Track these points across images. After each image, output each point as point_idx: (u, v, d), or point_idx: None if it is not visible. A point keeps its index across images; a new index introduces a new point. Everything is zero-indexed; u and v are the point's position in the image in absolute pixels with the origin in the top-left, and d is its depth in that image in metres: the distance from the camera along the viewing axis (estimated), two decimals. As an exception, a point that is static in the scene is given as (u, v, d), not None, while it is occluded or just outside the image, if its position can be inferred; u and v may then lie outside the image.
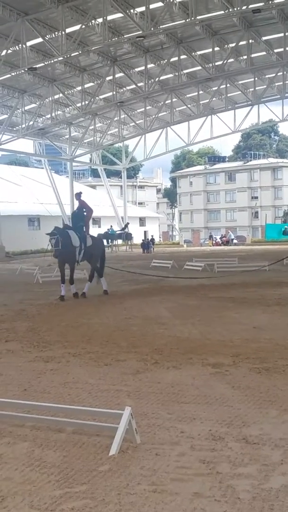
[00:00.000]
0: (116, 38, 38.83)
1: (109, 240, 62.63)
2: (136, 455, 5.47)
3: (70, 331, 11.61)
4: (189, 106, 58.93)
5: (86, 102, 49.89)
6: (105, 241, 63.97)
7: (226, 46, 45.40)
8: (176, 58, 45.55)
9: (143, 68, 47.36)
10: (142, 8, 35.22)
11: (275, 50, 46.86)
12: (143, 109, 59.28)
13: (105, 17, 34.43)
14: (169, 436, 5.97)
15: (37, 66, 40.72)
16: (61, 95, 50.81)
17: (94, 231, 66.21)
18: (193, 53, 46.01)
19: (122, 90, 53.05)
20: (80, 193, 20.40)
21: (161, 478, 4.96)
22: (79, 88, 49.39)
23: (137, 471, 5.10)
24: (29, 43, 37.58)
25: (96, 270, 19.49)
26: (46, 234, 18.85)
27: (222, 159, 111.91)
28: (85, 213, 19.62)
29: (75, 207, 20.73)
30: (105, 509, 4.44)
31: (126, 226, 66.06)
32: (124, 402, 6.92)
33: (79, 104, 51.09)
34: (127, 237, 64.78)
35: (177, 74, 48.19)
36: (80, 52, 40.17)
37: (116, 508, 4.46)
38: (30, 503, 4.57)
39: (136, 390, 7.67)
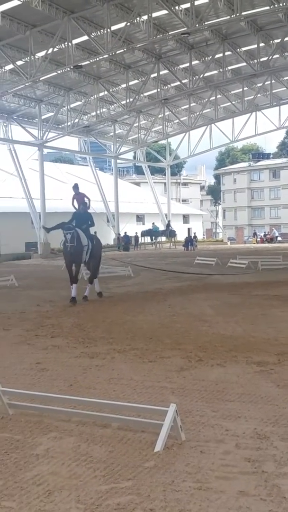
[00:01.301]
0: (160, 35, 38.81)
1: (153, 237, 62.67)
2: (181, 452, 5.49)
3: (114, 328, 11.67)
4: (233, 102, 58.53)
5: (131, 100, 49.95)
6: (148, 238, 64.56)
7: (271, 42, 44.94)
8: (220, 55, 45.29)
9: (187, 65, 47.20)
10: (187, 5, 35.13)
11: None
12: (187, 106, 59.08)
13: (150, 14, 34.43)
14: (214, 434, 5.96)
15: (83, 64, 40.94)
16: (106, 92, 51.04)
17: (138, 228, 66.75)
18: (238, 49, 45.69)
19: (166, 87, 52.98)
20: (77, 184, 19.24)
21: (206, 476, 4.96)
22: (124, 85, 49.50)
23: (182, 468, 5.12)
24: (74, 41, 37.81)
25: (92, 271, 18.23)
26: (61, 229, 17.17)
27: (266, 156, 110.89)
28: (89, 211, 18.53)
29: (74, 203, 18.80)
30: (151, 505, 4.47)
31: (169, 223, 66.06)
32: (169, 399, 6.94)
33: (123, 102, 51.22)
34: (171, 234, 64.77)
35: (221, 70, 47.91)
36: (125, 49, 40.25)
37: (162, 504, 4.48)
38: (77, 497, 4.62)
39: (181, 387, 7.68)
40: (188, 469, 5.09)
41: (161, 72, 48.47)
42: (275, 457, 5.34)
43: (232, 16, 35.54)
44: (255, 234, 79.23)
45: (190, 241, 59.16)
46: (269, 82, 53.61)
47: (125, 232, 60.05)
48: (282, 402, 6.94)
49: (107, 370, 8.76)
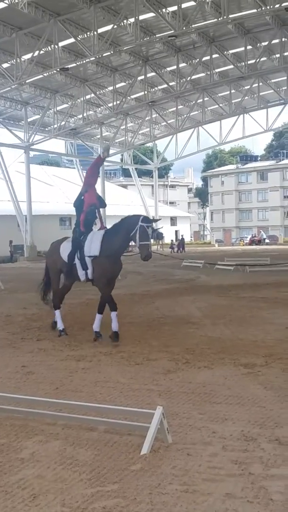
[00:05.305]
0: (147, 38, 38.84)
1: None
2: (168, 454, 5.46)
3: (101, 330, 11.61)
4: (221, 105, 58.70)
5: (118, 102, 49.97)
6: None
7: (258, 44, 45.13)
8: (208, 57, 45.42)
9: (174, 67, 47.28)
10: (174, 8, 35.18)
11: (309, 49, 46.44)
12: (174, 108, 59.20)
13: (137, 17, 34.43)
14: (201, 436, 5.94)
15: (69, 66, 40.89)
16: (92, 95, 51.03)
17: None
18: (225, 52, 45.83)
19: (153, 89, 53.05)
20: None
21: (193, 478, 4.93)
22: (111, 88, 49.53)
23: (169, 471, 5.08)
24: (61, 44, 37.79)
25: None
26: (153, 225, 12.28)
27: (254, 158, 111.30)
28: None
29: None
30: (137, 508, 4.43)
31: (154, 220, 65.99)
32: (156, 402, 6.91)
33: (110, 104, 51.23)
34: (158, 236, 64.72)
35: (209, 73, 48.05)
36: (111, 52, 40.26)
37: (148, 507, 4.44)
38: (62, 501, 4.58)
39: (168, 390, 7.65)
40: (175, 472, 5.06)
41: (148, 75, 48.53)
42: (262, 459, 5.32)
43: (220, 19, 35.63)
44: (242, 239, 79.63)
45: (176, 245, 59.36)
46: (256, 84, 53.78)
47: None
48: (269, 404, 6.93)
49: (94, 373, 8.71)
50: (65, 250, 11.91)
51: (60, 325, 12.06)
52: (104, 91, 52.01)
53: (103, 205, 12.80)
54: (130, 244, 11.67)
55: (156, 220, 11.56)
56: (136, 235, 10.92)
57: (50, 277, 12.64)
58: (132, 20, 35.73)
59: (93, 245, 11.32)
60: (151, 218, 11.71)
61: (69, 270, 11.76)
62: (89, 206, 12.08)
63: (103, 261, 11.21)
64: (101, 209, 12.70)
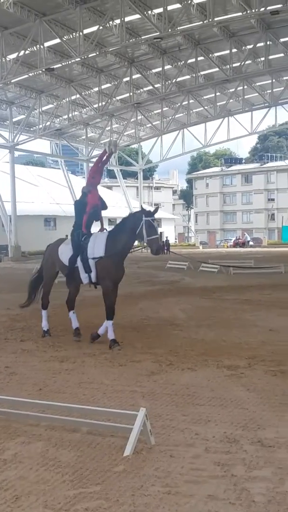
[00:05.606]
0: (133, 39, 38.88)
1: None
2: (151, 456, 5.45)
3: (85, 331, 11.58)
4: (206, 107, 58.84)
5: (103, 103, 49.96)
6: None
7: (243, 47, 45.29)
8: (193, 60, 45.51)
9: (160, 69, 47.35)
10: (160, 10, 35.23)
11: (293, 52, 46.69)
12: (159, 110, 59.25)
13: (122, 18, 34.47)
14: (184, 438, 5.94)
15: (55, 66, 40.88)
16: (78, 96, 51.00)
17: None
18: (210, 55, 45.97)
19: (139, 91, 53.08)
20: None
21: (175, 480, 4.94)
22: (96, 89, 49.53)
23: (151, 473, 5.08)
24: (46, 44, 37.72)
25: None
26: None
27: (238, 161, 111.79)
28: None
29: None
30: (119, 510, 4.43)
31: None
32: (139, 403, 6.91)
33: (96, 105, 51.19)
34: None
35: (194, 75, 48.18)
36: (97, 53, 40.26)
37: (130, 509, 4.44)
38: (44, 502, 4.56)
39: (151, 391, 7.65)
40: (157, 474, 5.06)
41: (134, 76, 48.55)
42: (245, 460, 5.33)
43: (205, 21, 35.74)
44: (226, 241, 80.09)
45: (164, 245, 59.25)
46: (241, 87, 53.96)
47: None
48: (252, 406, 6.95)
49: (77, 374, 8.69)
50: (64, 252, 11.53)
51: (44, 326, 11.99)
52: (89, 92, 51.97)
53: (105, 207, 12.25)
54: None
55: (155, 211, 11.30)
56: (143, 231, 10.65)
57: (44, 279, 12.34)
58: (118, 21, 35.75)
59: (97, 247, 10.98)
60: (150, 211, 11.30)
61: (70, 273, 11.39)
62: (92, 207, 11.65)
63: (109, 262, 10.90)
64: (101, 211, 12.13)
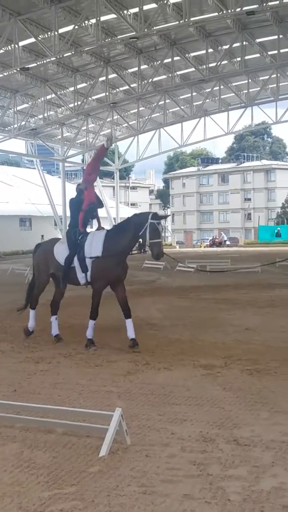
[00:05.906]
0: (109, 39, 38.73)
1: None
2: (126, 456, 5.44)
3: (61, 332, 11.53)
4: (182, 107, 58.85)
5: (79, 103, 49.76)
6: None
7: (219, 48, 45.34)
8: (169, 60, 45.48)
9: (136, 69, 47.26)
10: (136, 9, 35.12)
11: (269, 52, 46.82)
12: (136, 110, 59.16)
13: (98, 18, 34.31)
14: (160, 438, 5.93)
15: (30, 66, 40.57)
16: (53, 95, 50.68)
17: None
18: (187, 55, 45.96)
19: (115, 91, 52.95)
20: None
21: (151, 480, 4.93)
22: (72, 88, 49.28)
23: (127, 473, 5.07)
24: (21, 43, 37.43)
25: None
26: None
27: (215, 161, 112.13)
28: None
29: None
30: (95, 511, 4.41)
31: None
32: (115, 403, 6.89)
33: (71, 105, 50.97)
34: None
35: (170, 75, 48.13)
36: (72, 52, 40.04)
37: (106, 509, 4.43)
38: (19, 504, 4.52)
39: (127, 391, 7.64)
40: (133, 473, 5.05)
41: (110, 76, 48.40)
42: (220, 459, 5.34)
43: (181, 21, 35.73)
44: (203, 241, 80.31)
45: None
46: (217, 87, 54.06)
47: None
48: (228, 405, 6.96)
49: (53, 374, 8.65)
50: (60, 252, 11.30)
51: (31, 326, 11.80)
52: (65, 91, 51.72)
53: (101, 205, 12.24)
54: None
55: (166, 217, 11.20)
56: (146, 233, 10.55)
57: (36, 282, 12.05)
58: (93, 21, 35.59)
59: (94, 246, 10.83)
60: (161, 215, 11.29)
61: (66, 273, 11.14)
62: (88, 204, 11.47)
63: (104, 262, 10.73)
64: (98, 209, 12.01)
